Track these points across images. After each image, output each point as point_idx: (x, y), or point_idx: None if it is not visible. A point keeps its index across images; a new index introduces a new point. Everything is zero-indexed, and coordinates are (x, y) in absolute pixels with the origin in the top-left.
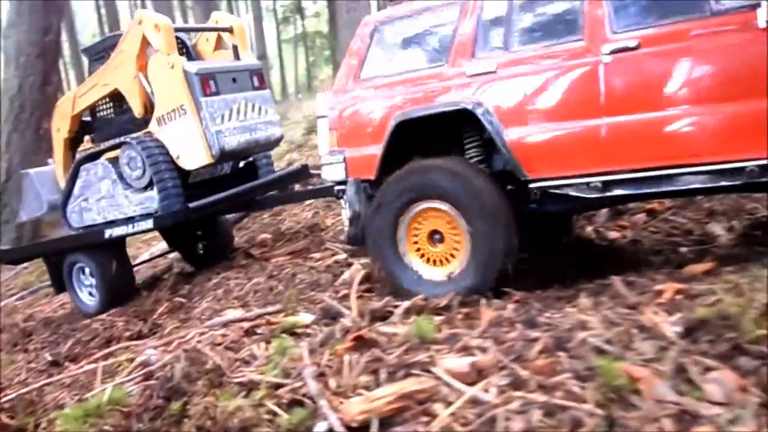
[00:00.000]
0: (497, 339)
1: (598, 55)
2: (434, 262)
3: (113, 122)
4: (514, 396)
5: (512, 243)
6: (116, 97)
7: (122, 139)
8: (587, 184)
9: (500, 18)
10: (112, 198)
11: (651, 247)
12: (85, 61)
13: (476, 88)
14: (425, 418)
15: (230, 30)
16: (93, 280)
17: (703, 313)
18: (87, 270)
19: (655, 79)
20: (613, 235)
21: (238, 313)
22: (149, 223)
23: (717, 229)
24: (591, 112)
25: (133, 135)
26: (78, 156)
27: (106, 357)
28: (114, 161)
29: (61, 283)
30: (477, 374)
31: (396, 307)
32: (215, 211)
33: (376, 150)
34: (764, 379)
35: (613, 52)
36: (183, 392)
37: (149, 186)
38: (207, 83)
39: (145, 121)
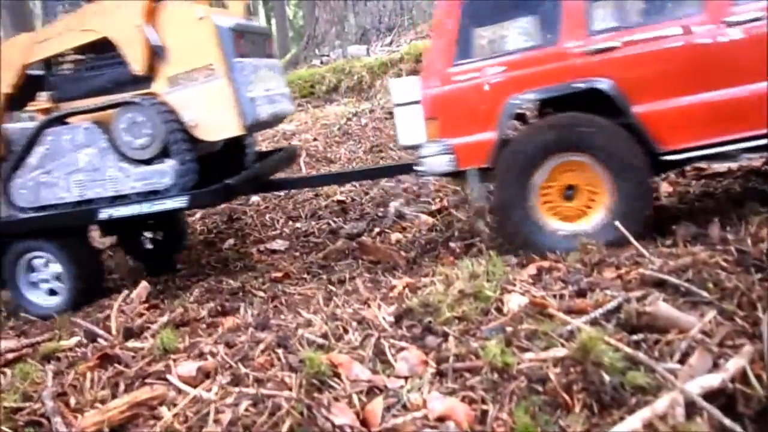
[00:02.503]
0: (229, 343)
1: (722, 28)
2: (565, 217)
3: (87, 79)
4: (231, 391)
5: (651, 200)
6: (96, 48)
7: (125, 97)
8: (720, 153)
9: None
10: (95, 171)
11: (425, 244)
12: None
13: (601, 65)
14: (153, 422)
15: None
16: (54, 274)
17: (411, 302)
18: (44, 261)
19: None
20: (396, 236)
21: (11, 343)
22: (179, 202)
23: (482, 225)
24: (719, 82)
25: (134, 94)
26: (34, 117)
27: None
28: (102, 125)
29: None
30: (203, 376)
31: (154, 323)
32: (248, 191)
33: (491, 135)
34: (441, 353)
35: (734, 24)
36: None
37: (157, 158)
38: (240, 42)
39: (138, 80)
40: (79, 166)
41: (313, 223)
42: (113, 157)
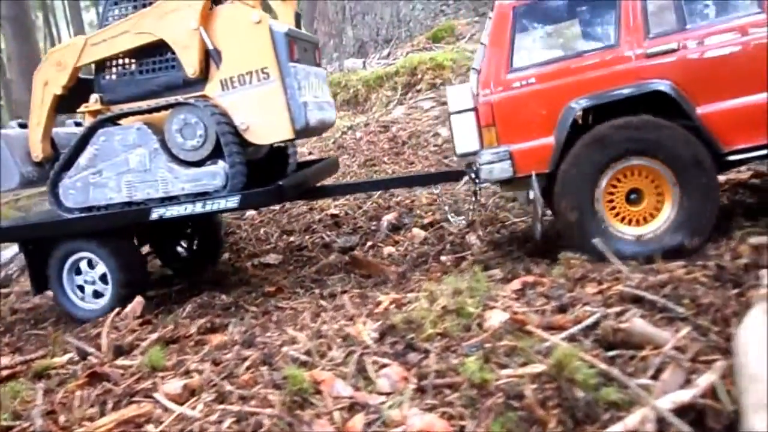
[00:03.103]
0: (215, 361)
1: None
2: (629, 221)
3: (138, 81)
4: (215, 409)
5: (718, 200)
6: (147, 51)
7: (178, 98)
8: None
9: None
10: (146, 172)
11: (417, 258)
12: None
13: (663, 68)
14: None
15: None
16: (100, 275)
17: (395, 319)
18: (90, 263)
19: None
20: (388, 250)
21: (5, 360)
22: (231, 202)
23: (473, 238)
24: None
25: (187, 96)
26: (81, 122)
27: None
28: (153, 126)
29: (43, 279)
30: (189, 394)
31: (144, 340)
32: (296, 195)
33: (549, 140)
34: (422, 369)
35: None
36: None
37: (208, 159)
38: (293, 48)
39: (189, 83)
40: (130, 166)
41: (307, 237)
42: (164, 158)
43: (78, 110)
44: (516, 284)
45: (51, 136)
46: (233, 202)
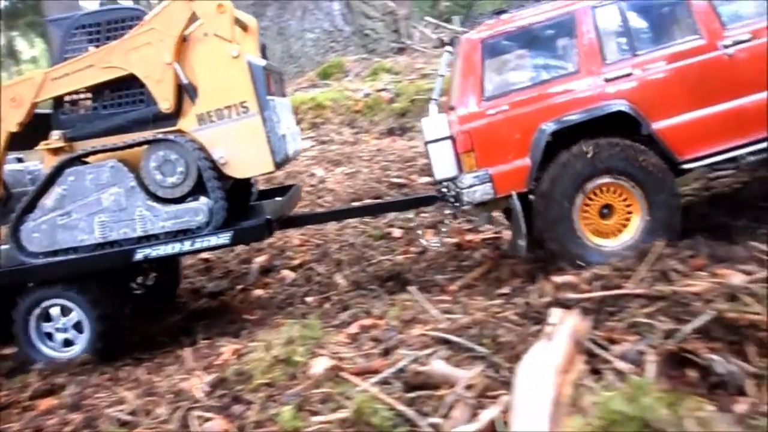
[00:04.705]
0: (37, 428)
1: (720, 49)
2: (602, 234)
3: (103, 117)
4: None
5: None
6: (116, 85)
7: (156, 135)
8: (733, 158)
9: (618, 24)
10: (122, 211)
11: (284, 300)
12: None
13: (620, 91)
14: None
15: (245, 28)
16: (71, 323)
17: (227, 371)
18: (62, 310)
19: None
20: (258, 292)
21: None
22: (223, 239)
23: (339, 278)
24: (723, 96)
25: (163, 131)
26: (47, 157)
27: None
28: (128, 164)
29: (6, 330)
30: None
31: None
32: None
33: (525, 161)
34: (243, 420)
35: (729, 45)
36: None
37: (189, 195)
38: (270, 81)
39: (159, 118)
40: (103, 206)
41: None
42: (142, 196)
43: (37, 148)
44: (354, 328)
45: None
46: (225, 238)
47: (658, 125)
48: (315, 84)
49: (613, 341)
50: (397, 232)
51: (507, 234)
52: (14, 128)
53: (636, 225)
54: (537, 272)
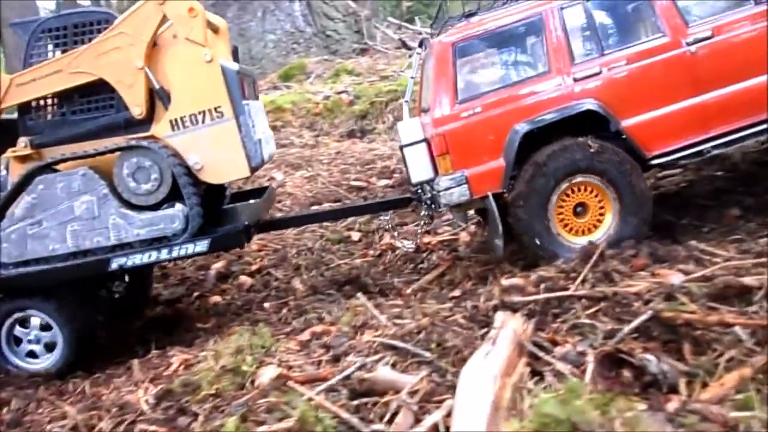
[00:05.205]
0: None
1: (684, 46)
2: (576, 231)
3: (72, 123)
4: None
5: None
6: (85, 91)
7: (129, 141)
8: (699, 152)
9: (586, 24)
10: (94, 219)
11: (241, 306)
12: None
13: (589, 90)
14: None
15: (216, 30)
16: (43, 334)
17: (174, 382)
18: (33, 321)
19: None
20: (215, 299)
21: None
22: (201, 246)
23: (297, 283)
24: (688, 92)
25: (135, 138)
26: (13, 164)
27: None
28: (99, 171)
29: None
30: None
31: None
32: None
33: (499, 162)
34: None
35: (692, 43)
36: None
37: (164, 202)
38: (243, 85)
39: (131, 124)
40: (75, 214)
41: None
42: (115, 204)
43: (4, 155)
44: (305, 335)
45: None
46: (202, 246)
47: (627, 122)
48: (276, 86)
49: (555, 343)
50: (355, 236)
51: (463, 236)
52: None
53: (609, 222)
54: (489, 274)
